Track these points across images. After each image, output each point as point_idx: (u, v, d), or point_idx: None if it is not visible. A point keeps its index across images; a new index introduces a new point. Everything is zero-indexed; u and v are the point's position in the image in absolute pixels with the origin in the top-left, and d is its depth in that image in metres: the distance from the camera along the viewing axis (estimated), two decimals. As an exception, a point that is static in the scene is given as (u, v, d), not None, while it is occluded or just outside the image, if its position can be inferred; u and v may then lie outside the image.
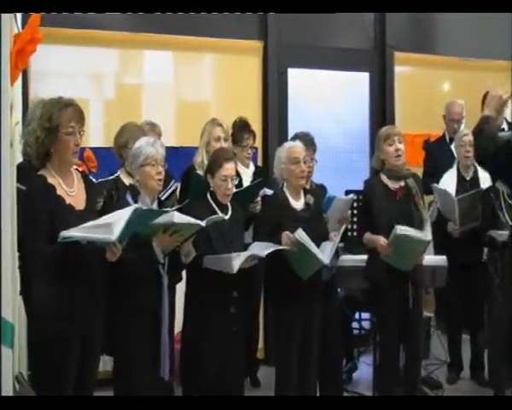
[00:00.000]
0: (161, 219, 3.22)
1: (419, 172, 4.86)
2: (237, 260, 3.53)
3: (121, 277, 3.21)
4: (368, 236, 4.14)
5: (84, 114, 3.04)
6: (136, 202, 3.37)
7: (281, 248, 3.73)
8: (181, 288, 4.05)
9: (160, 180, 3.43)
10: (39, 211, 2.89)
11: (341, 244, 4.28)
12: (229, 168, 3.78)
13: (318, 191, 4.30)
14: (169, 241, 3.32)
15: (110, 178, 3.77)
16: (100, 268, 3.03)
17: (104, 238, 2.81)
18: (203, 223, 3.32)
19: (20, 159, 3.34)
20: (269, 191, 4.29)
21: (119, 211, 2.92)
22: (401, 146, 4.11)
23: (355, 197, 4.58)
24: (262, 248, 3.68)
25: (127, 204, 3.34)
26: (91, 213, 3.04)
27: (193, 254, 3.48)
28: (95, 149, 5.01)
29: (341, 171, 5.84)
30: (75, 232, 2.80)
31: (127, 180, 3.85)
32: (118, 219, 2.82)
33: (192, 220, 3.28)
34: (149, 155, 3.41)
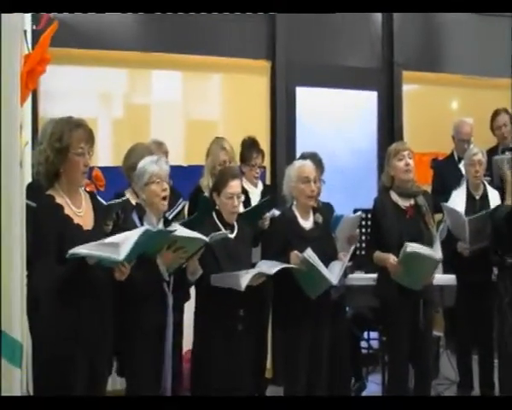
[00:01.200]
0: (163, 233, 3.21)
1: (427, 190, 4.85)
2: (245, 278, 3.52)
3: (126, 295, 3.21)
4: (377, 254, 4.12)
5: (93, 134, 3.06)
6: (141, 221, 3.38)
7: (289, 266, 3.72)
8: (191, 306, 4.03)
9: (165, 197, 3.43)
10: (47, 231, 2.89)
11: (350, 263, 4.27)
12: (234, 186, 3.78)
13: (325, 210, 4.29)
14: (173, 258, 3.32)
15: (121, 200, 3.77)
16: (108, 288, 3.02)
17: (110, 258, 2.80)
18: (206, 238, 3.31)
19: (29, 179, 3.36)
20: (277, 212, 4.29)
21: (128, 232, 2.93)
22: (411, 161, 4.11)
23: (363, 215, 4.57)
24: (270, 266, 3.67)
25: (133, 223, 3.37)
26: (99, 233, 3.04)
27: (199, 272, 3.48)
28: (103, 168, 5.00)
29: (350, 189, 5.81)
30: (82, 249, 2.81)
31: (134, 201, 3.85)
32: (125, 240, 2.82)
33: (194, 234, 3.27)
34: (153, 172, 3.42)
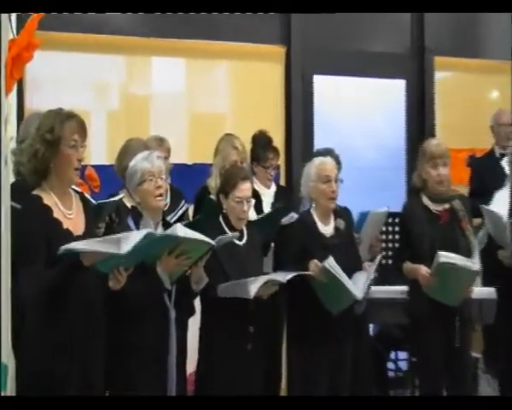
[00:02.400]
0: (166, 234, 3.20)
1: (463, 192, 4.81)
2: (254, 285, 3.50)
3: (121, 308, 3.19)
4: (408, 265, 4.10)
5: (86, 126, 3.07)
6: (137, 225, 3.37)
7: (305, 273, 3.71)
8: (195, 322, 4.03)
9: (160, 195, 3.42)
10: (34, 235, 2.89)
11: (375, 274, 4.24)
12: (244, 189, 3.77)
13: (344, 215, 4.27)
14: (175, 264, 3.29)
15: (113, 199, 3.77)
16: (102, 299, 3.03)
17: (112, 252, 2.79)
18: (212, 241, 3.29)
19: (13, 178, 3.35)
20: (296, 216, 4.27)
21: (129, 232, 2.94)
22: (445, 171, 4.07)
23: (390, 220, 4.56)
24: (283, 275, 3.66)
25: (128, 228, 3.34)
26: (90, 238, 3.00)
27: (205, 280, 3.46)
28: (97, 167, 5.02)
29: (374, 191, 5.82)
30: (78, 245, 2.82)
31: (129, 203, 3.85)
32: (128, 237, 2.82)
33: (199, 236, 3.24)
34: (145, 170, 3.42)
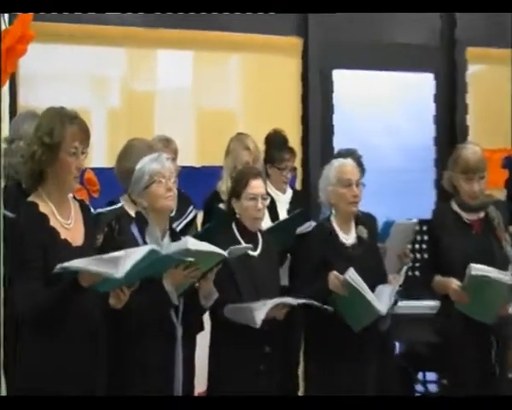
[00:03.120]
0: (175, 248, 3.19)
1: (499, 196, 4.79)
2: (261, 312, 3.50)
3: (123, 325, 3.19)
4: (438, 278, 4.07)
5: (89, 132, 3.06)
6: (142, 234, 3.37)
7: (318, 305, 3.67)
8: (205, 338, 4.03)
9: (171, 198, 3.42)
10: (30, 246, 2.88)
11: (401, 287, 4.23)
12: (257, 186, 3.78)
13: (368, 222, 4.25)
14: (183, 276, 3.28)
15: (113, 207, 3.77)
16: (102, 315, 3.02)
17: (107, 273, 2.79)
18: (224, 252, 3.28)
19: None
20: (314, 224, 4.26)
21: (131, 249, 2.91)
22: (481, 185, 4.03)
23: (418, 228, 4.53)
24: (295, 299, 3.65)
25: (131, 236, 3.36)
26: (91, 250, 3.02)
27: (214, 295, 3.46)
28: (97, 170, 5.05)
29: (399, 196, 5.83)
30: (76, 264, 2.80)
31: (131, 210, 3.85)
32: (127, 256, 2.81)
33: (211, 248, 3.24)
34: (154, 171, 3.41)
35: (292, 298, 3.64)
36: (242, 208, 3.78)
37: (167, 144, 4.63)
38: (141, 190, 3.44)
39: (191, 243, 3.15)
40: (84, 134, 3.02)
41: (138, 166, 3.48)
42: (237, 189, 3.81)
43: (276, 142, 4.89)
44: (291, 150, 4.90)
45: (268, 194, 3.96)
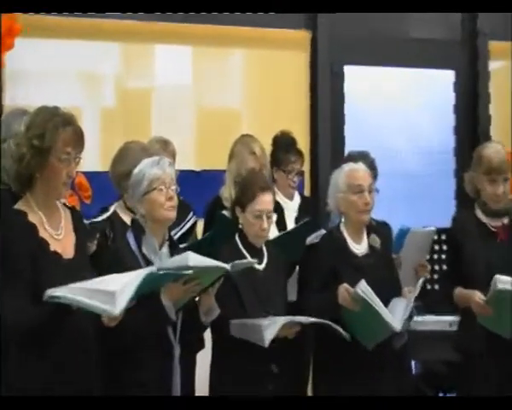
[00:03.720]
0: (174, 264, 3.20)
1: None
2: (270, 331, 3.49)
3: (116, 344, 3.18)
4: (459, 291, 4.07)
5: (84, 137, 3.04)
6: (139, 242, 3.38)
7: (334, 326, 3.68)
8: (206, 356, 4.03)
9: (172, 208, 3.42)
10: (18, 259, 2.87)
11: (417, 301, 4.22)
12: (265, 201, 3.78)
13: (382, 230, 4.24)
14: (183, 291, 3.28)
15: (105, 215, 3.78)
16: (94, 335, 3.02)
17: (104, 310, 2.79)
18: (227, 266, 3.28)
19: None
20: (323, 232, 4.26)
21: (127, 274, 2.90)
22: (505, 187, 4.03)
23: (435, 234, 4.52)
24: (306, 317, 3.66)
25: (127, 245, 3.37)
26: (82, 263, 3.03)
27: (216, 311, 3.46)
28: (89, 174, 5.04)
29: (417, 201, 5.85)
30: (66, 293, 2.78)
31: (126, 217, 3.87)
32: (124, 287, 2.80)
33: (212, 263, 3.24)
34: (154, 177, 3.41)
35: (303, 317, 3.65)
36: (246, 223, 3.80)
37: (165, 147, 4.65)
38: (139, 196, 3.43)
39: (192, 259, 3.14)
40: (78, 139, 3.00)
41: (137, 170, 3.48)
42: (242, 200, 3.82)
43: (282, 143, 4.91)
44: (298, 152, 4.92)
45: (277, 203, 3.97)
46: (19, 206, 2.97)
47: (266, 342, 3.48)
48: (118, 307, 2.76)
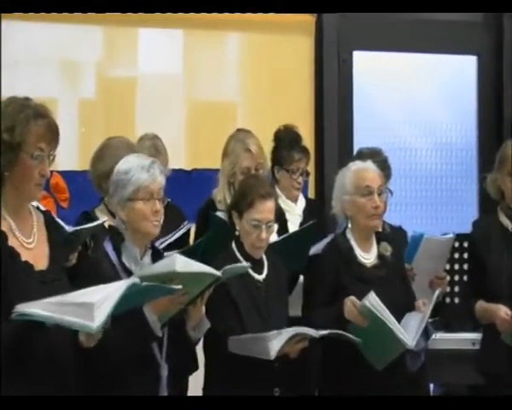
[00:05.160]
0: (159, 269, 3.21)
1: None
2: (276, 342, 3.52)
3: (96, 365, 3.18)
4: (481, 305, 4.12)
5: (59, 131, 3.02)
6: (118, 252, 3.40)
7: (345, 334, 3.72)
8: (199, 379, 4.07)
9: (157, 223, 3.42)
10: None
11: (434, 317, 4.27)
12: (264, 210, 3.80)
13: (395, 237, 4.30)
14: (168, 302, 3.27)
15: (93, 224, 3.73)
16: (71, 356, 3.01)
17: (80, 325, 2.75)
18: (219, 273, 3.28)
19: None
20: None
21: (107, 286, 2.85)
22: None
23: (457, 243, 4.56)
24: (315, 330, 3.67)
25: (105, 255, 3.39)
26: (57, 275, 3.01)
27: (205, 326, 3.48)
28: (66, 174, 5.08)
29: (435, 205, 5.85)
30: (38, 309, 2.75)
31: (108, 222, 3.82)
32: (103, 299, 2.76)
33: (203, 268, 3.25)
34: (142, 185, 3.40)
35: (312, 329, 3.65)
36: (244, 231, 3.83)
37: (152, 143, 4.65)
38: (121, 200, 3.43)
39: (179, 263, 3.15)
40: (53, 134, 2.98)
41: (123, 168, 3.46)
42: (239, 206, 3.85)
43: (285, 140, 4.88)
44: (303, 150, 4.89)
45: (279, 208, 3.99)
46: None
47: (272, 355, 3.50)
48: (96, 321, 2.71)
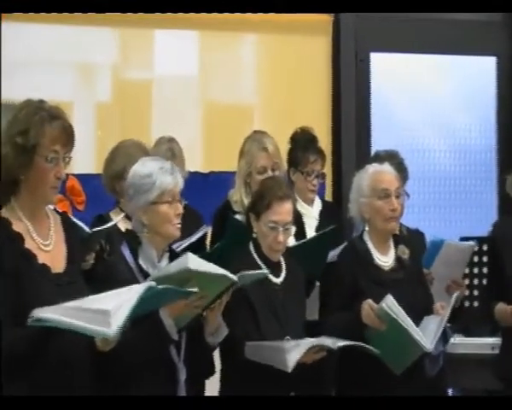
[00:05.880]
0: (173, 269, 3.22)
1: None
2: (294, 354, 3.53)
3: (113, 369, 3.18)
4: (501, 308, 4.13)
5: (74, 133, 3.02)
6: (135, 255, 3.42)
7: (363, 345, 3.72)
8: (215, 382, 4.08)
9: (179, 225, 3.45)
10: (0, 275, 2.84)
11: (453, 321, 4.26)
12: (282, 212, 3.81)
13: (413, 240, 4.31)
14: (184, 306, 3.27)
15: (106, 227, 3.74)
16: (87, 360, 3.01)
17: (97, 331, 2.76)
18: (234, 277, 3.28)
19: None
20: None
21: (123, 290, 2.87)
22: None
23: (476, 247, 4.55)
24: (333, 340, 3.68)
25: (122, 258, 3.41)
26: (74, 278, 3.01)
27: (224, 332, 3.49)
28: (82, 177, 5.10)
29: (453, 207, 5.83)
30: (54, 315, 2.75)
31: (123, 226, 3.86)
32: (119, 305, 2.77)
33: (217, 270, 3.25)
34: (167, 188, 3.42)
35: (331, 339, 3.67)
36: (261, 234, 3.85)
37: (170, 146, 4.65)
38: (144, 204, 3.44)
39: (192, 261, 3.15)
40: (68, 136, 2.97)
41: (144, 172, 3.45)
42: (257, 208, 3.86)
43: (301, 141, 4.89)
44: (318, 151, 4.89)
45: (296, 211, 3.98)
46: (1, 213, 2.93)
47: (290, 367, 3.50)
48: (113, 327, 2.71)
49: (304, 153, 4.85)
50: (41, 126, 2.92)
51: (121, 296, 2.81)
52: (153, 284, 2.94)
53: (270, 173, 4.48)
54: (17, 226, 2.93)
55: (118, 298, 2.80)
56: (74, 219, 3.30)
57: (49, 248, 2.99)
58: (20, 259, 2.89)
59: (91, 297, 2.82)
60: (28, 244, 2.93)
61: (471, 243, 4.47)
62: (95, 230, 3.63)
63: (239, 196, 4.51)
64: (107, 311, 2.72)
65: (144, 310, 2.98)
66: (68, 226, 3.11)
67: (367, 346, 3.72)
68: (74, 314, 2.73)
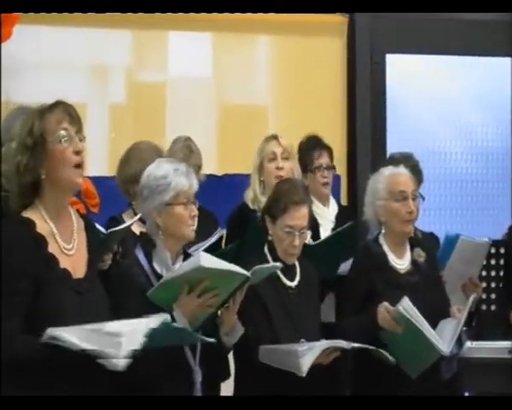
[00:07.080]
0: (185, 268, 3.23)
1: None
2: (308, 358, 3.53)
3: (128, 372, 3.17)
4: (517, 312, 4.13)
5: (78, 113, 2.99)
6: (149, 258, 3.44)
7: (378, 350, 3.72)
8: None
9: (194, 226, 3.47)
10: (17, 276, 2.82)
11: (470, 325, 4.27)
12: (298, 217, 3.82)
13: (429, 243, 4.31)
14: (198, 305, 3.29)
15: (121, 227, 3.74)
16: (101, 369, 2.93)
17: (107, 355, 2.73)
18: (247, 272, 3.29)
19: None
20: None
21: (136, 321, 2.83)
22: None
23: (493, 249, 4.56)
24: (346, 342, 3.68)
25: (136, 261, 3.43)
26: (93, 283, 2.98)
27: (239, 332, 3.50)
28: (96, 179, 5.09)
29: (468, 210, 5.83)
30: (68, 335, 2.74)
31: (136, 228, 3.88)
32: (131, 334, 2.75)
33: (230, 267, 3.25)
34: (182, 189, 3.44)
35: (344, 341, 3.65)
36: (277, 237, 3.86)
37: (185, 146, 4.67)
38: (159, 205, 3.45)
39: (205, 259, 3.15)
40: (71, 115, 2.94)
41: (159, 173, 3.47)
42: (273, 211, 3.88)
43: (305, 145, 4.93)
44: (323, 146, 4.93)
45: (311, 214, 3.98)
46: (26, 213, 2.90)
47: (304, 371, 3.50)
48: (123, 351, 2.69)
49: (309, 153, 4.89)
50: (42, 116, 2.91)
51: (136, 325, 2.79)
52: (167, 320, 2.90)
53: (280, 162, 4.50)
54: (41, 228, 2.90)
55: (132, 326, 2.78)
56: (95, 223, 3.29)
57: (71, 253, 2.96)
58: (42, 264, 2.86)
59: (106, 324, 2.78)
60: (51, 247, 2.90)
61: (486, 239, 4.45)
62: (112, 230, 3.63)
63: (253, 193, 4.52)
64: (119, 333, 2.71)
65: (155, 342, 2.91)
66: (90, 229, 3.09)
67: (382, 352, 3.72)
68: (86, 335, 2.72)
